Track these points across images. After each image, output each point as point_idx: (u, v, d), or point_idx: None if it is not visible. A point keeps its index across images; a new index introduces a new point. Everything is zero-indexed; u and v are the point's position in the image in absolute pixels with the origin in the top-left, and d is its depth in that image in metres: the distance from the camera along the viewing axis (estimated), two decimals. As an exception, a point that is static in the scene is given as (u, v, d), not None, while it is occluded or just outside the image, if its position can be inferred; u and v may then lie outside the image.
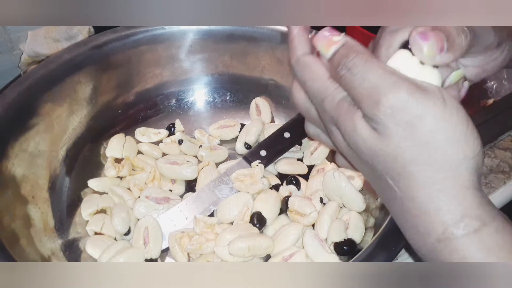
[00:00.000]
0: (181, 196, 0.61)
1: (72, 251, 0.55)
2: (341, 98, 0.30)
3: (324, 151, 0.63)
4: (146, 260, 0.54)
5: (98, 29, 0.70)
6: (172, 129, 0.69)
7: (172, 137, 0.68)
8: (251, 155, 0.62)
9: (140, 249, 0.54)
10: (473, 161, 0.28)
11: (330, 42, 0.30)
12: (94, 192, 0.61)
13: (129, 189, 0.61)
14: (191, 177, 0.61)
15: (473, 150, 0.28)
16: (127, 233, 0.56)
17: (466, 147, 0.28)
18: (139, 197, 0.59)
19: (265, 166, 0.61)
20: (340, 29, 0.36)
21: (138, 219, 0.56)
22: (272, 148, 0.62)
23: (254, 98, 0.71)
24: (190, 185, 0.62)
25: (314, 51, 0.32)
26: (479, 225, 0.27)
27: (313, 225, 0.56)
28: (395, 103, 0.27)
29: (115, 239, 0.56)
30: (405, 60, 0.29)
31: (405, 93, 0.27)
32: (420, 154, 0.28)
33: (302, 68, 0.31)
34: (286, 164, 0.63)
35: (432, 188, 0.28)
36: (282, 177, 0.63)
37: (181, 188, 0.62)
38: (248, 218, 0.57)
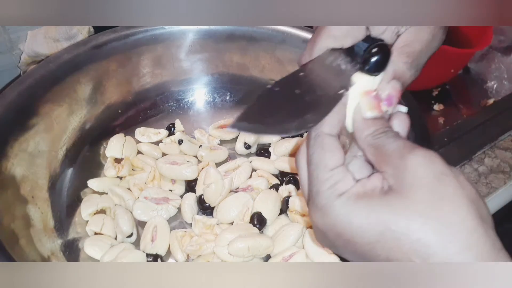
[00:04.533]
0: (181, 196, 0.61)
1: (72, 251, 0.55)
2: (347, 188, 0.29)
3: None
4: (152, 255, 0.54)
5: (98, 29, 0.70)
6: (172, 129, 0.69)
7: (172, 137, 0.67)
8: None
9: (147, 245, 0.54)
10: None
11: (378, 107, 0.32)
12: (94, 192, 0.61)
13: (129, 189, 0.61)
14: (191, 177, 0.61)
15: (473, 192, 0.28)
16: (131, 234, 0.56)
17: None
18: (138, 197, 0.59)
19: None
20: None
21: (138, 220, 0.57)
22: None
23: (254, 98, 0.71)
24: (190, 185, 0.62)
25: (341, 133, 0.32)
26: None
27: (313, 225, 0.56)
28: (424, 156, 0.28)
29: (115, 238, 0.56)
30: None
31: (432, 151, 0.28)
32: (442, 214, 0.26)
33: (318, 147, 0.31)
34: (285, 162, 0.63)
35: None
36: (282, 176, 0.63)
37: (181, 188, 0.62)
38: (248, 218, 0.57)
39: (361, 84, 0.32)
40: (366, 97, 0.32)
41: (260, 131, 0.30)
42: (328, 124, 0.31)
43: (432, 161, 0.27)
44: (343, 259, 0.52)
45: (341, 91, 0.32)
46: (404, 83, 0.33)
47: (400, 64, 0.32)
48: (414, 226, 0.26)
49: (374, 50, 0.32)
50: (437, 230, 0.26)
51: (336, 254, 0.32)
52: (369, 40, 0.35)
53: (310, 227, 0.55)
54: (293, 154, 0.65)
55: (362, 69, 0.32)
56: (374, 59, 0.32)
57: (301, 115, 0.31)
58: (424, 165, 0.27)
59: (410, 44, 0.33)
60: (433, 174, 0.27)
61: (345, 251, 0.29)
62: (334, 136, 0.31)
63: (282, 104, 0.31)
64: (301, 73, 0.33)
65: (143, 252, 0.54)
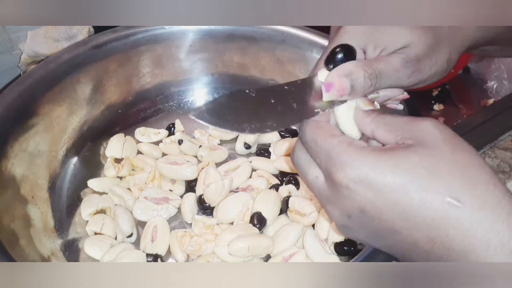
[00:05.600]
0: (181, 196, 0.61)
1: (72, 251, 0.55)
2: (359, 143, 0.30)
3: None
4: (151, 255, 0.54)
5: (98, 29, 0.70)
6: (172, 129, 0.69)
7: (172, 137, 0.67)
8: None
9: (147, 245, 0.54)
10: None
11: (372, 104, 0.33)
12: (94, 192, 0.61)
13: (129, 189, 0.61)
14: (191, 177, 0.61)
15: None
16: (131, 234, 0.56)
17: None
18: (138, 197, 0.59)
19: None
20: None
21: (138, 220, 0.57)
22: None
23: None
24: (190, 185, 0.62)
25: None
26: None
27: (313, 225, 0.56)
28: (436, 121, 0.29)
29: (115, 238, 0.56)
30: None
31: (435, 119, 0.30)
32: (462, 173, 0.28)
33: (315, 127, 0.31)
34: (285, 162, 0.63)
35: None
36: (282, 176, 0.63)
37: (181, 188, 0.62)
38: (248, 218, 0.57)
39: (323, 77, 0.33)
40: (362, 98, 0.33)
41: (216, 124, 0.31)
42: (316, 116, 0.32)
43: (443, 125, 0.29)
44: (342, 257, 0.52)
45: (316, 110, 0.33)
46: (355, 88, 0.33)
47: (358, 67, 0.33)
48: (445, 170, 0.27)
49: (338, 49, 0.33)
50: (466, 173, 0.27)
51: (356, 232, 0.31)
52: None
53: (312, 226, 0.55)
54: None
55: (326, 66, 0.34)
56: (337, 57, 0.33)
57: (263, 120, 0.31)
58: (438, 127, 0.29)
59: (377, 59, 0.35)
60: (448, 133, 0.29)
61: (374, 207, 0.28)
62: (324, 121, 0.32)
63: (251, 106, 0.32)
64: (286, 87, 0.34)
65: (143, 252, 0.54)
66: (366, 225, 0.30)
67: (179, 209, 0.60)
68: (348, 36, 0.35)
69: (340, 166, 0.29)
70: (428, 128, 0.29)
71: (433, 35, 0.36)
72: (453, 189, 0.27)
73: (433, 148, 0.28)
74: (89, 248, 0.54)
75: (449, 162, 0.28)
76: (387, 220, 0.28)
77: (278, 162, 0.64)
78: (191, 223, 0.58)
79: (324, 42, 0.64)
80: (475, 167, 0.28)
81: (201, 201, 0.59)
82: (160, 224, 0.56)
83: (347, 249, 0.52)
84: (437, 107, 0.82)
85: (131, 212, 0.57)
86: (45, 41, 0.71)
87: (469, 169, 0.28)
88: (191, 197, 0.60)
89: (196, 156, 0.65)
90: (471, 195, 0.27)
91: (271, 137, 0.68)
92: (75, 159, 0.63)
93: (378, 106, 0.34)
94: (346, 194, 0.29)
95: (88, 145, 0.65)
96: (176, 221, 0.59)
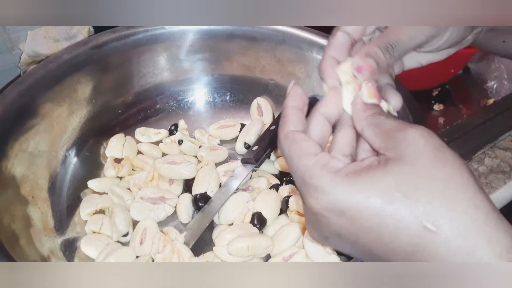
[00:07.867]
0: (178, 196, 0.60)
1: (72, 251, 0.55)
2: (336, 167, 0.28)
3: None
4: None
5: (98, 29, 0.70)
6: (174, 131, 0.68)
7: (172, 137, 0.67)
8: (247, 155, 0.61)
9: (136, 247, 0.54)
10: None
11: (378, 96, 0.33)
12: (94, 192, 0.61)
13: (129, 189, 0.61)
14: (189, 175, 0.60)
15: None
16: (126, 234, 0.56)
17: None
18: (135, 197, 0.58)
19: (261, 160, 0.60)
20: (340, 29, 0.36)
21: (134, 220, 0.57)
22: (262, 142, 0.61)
23: (254, 98, 0.71)
24: (188, 185, 0.61)
25: (306, 130, 0.32)
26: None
27: (313, 225, 0.56)
28: (424, 130, 0.28)
29: (112, 238, 0.56)
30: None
31: (424, 128, 0.29)
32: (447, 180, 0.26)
33: (292, 142, 0.31)
34: (286, 161, 0.63)
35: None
36: (282, 176, 0.63)
37: (179, 189, 0.61)
38: (248, 219, 0.57)
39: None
40: (368, 85, 0.33)
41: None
42: (292, 123, 0.32)
43: (431, 134, 0.28)
44: (342, 257, 0.52)
45: None
46: (379, 63, 0.34)
47: (372, 46, 0.34)
48: (422, 190, 0.26)
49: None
50: (445, 192, 0.26)
51: (335, 249, 0.31)
52: None
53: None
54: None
55: None
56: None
57: None
58: (424, 137, 0.28)
59: (386, 33, 0.36)
60: (433, 144, 0.27)
61: (349, 232, 0.28)
62: (301, 131, 0.31)
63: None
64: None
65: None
66: (344, 246, 0.29)
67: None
68: None
69: (313, 192, 0.28)
70: (412, 138, 0.27)
71: None
72: (430, 211, 0.25)
73: (411, 163, 0.27)
74: (85, 246, 0.54)
75: (428, 179, 0.26)
76: (363, 244, 0.28)
77: (279, 162, 0.64)
78: (186, 223, 0.58)
79: (324, 42, 0.64)
80: (456, 184, 0.26)
81: (196, 201, 0.59)
82: (150, 227, 0.56)
83: (347, 249, 0.52)
84: (437, 107, 0.82)
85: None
86: (45, 41, 0.71)
87: (450, 187, 0.26)
88: (186, 198, 0.59)
89: (196, 156, 0.65)
90: (449, 219, 0.25)
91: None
92: (75, 159, 0.63)
93: (392, 111, 0.34)
94: (321, 219, 0.28)
95: (88, 145, 0.65)
96: (174, 222, 0.59)
